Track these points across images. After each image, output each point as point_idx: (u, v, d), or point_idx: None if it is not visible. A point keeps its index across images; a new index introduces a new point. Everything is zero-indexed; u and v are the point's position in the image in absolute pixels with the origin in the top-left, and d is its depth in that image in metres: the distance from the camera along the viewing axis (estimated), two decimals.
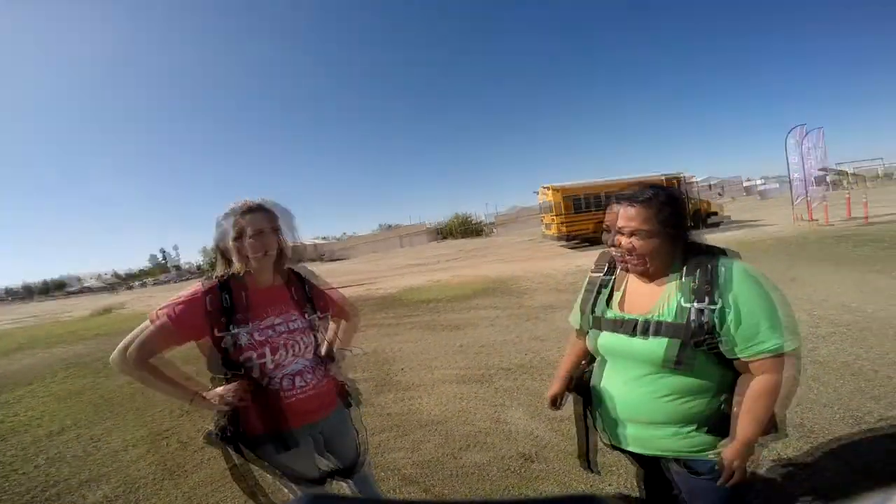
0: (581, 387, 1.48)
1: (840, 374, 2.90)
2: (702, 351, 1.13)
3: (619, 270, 1.35)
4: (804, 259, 7.11)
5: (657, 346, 1.16)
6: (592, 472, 1.57)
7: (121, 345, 1.32)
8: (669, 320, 1.15)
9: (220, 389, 1.38)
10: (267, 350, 1.41)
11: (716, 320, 1.11)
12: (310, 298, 1.60)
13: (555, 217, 15.70)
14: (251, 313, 1.42)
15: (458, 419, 3.19)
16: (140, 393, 4.91)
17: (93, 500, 2.69)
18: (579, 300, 1.44)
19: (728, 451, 1.14)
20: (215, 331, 1.36)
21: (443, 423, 3.16)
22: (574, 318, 1.51)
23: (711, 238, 1.28)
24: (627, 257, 1.22)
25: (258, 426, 1.40)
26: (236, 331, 1.37)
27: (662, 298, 1.20)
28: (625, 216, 1.21)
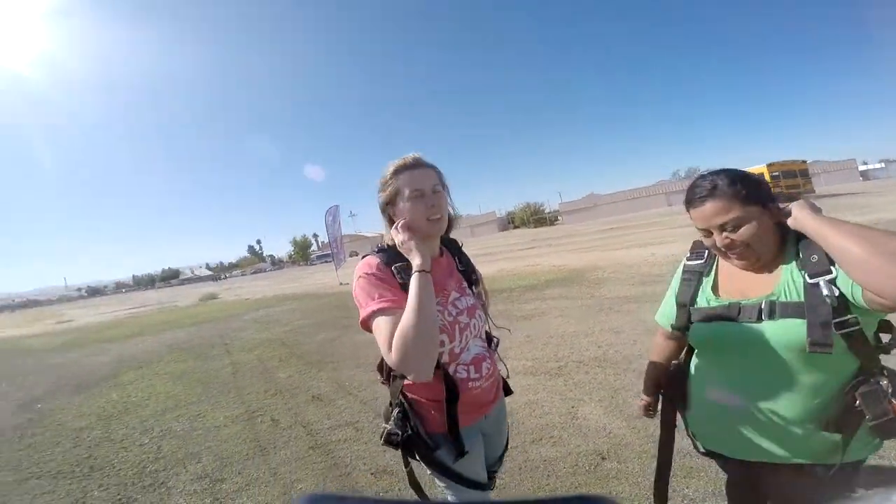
0: (672, 388, 1.33)
1: None
2: (842, 334, 0.96)
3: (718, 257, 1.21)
4: None
5: (795, 327, 0.99)
6: None
7: (391, 357, 1.00)
8: (799, 300, 1.00)
9: None
10: (457, 331, 1.18)
11: (850, 289, 0.94)
12: (470, 269, 1.37)
13: (781, 182, 22.75)
14: (437, 288, 1.14)
15: (528, 411, 3.10)
16: (239, 373, 5.38)
17: (192, 472, 2.97)
18: (674, 293, 1.28)
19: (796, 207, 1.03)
20: None
21: (510, 414, 3.03)
22: (664, 316, 1.35)
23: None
24: (731, 252, 1.09)
25: (439, 425, 1.17)
26: None
27: (785, 278, 1.05)
28: (703, 216, 1.09)
